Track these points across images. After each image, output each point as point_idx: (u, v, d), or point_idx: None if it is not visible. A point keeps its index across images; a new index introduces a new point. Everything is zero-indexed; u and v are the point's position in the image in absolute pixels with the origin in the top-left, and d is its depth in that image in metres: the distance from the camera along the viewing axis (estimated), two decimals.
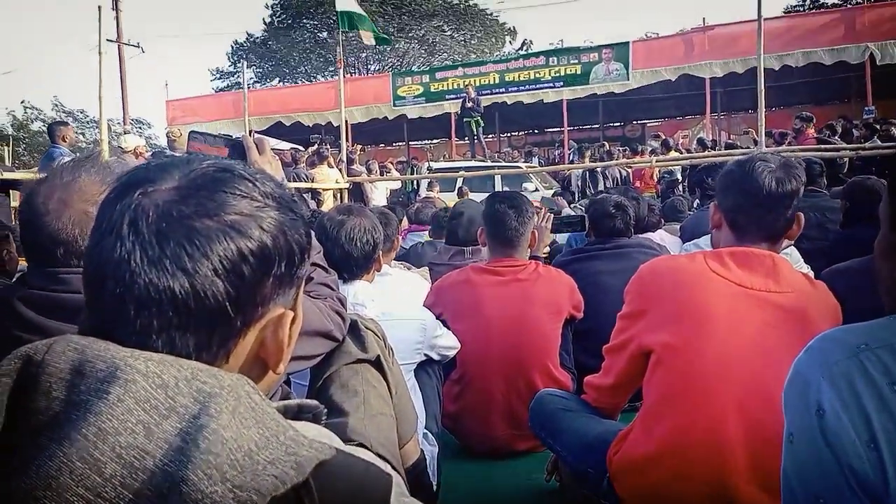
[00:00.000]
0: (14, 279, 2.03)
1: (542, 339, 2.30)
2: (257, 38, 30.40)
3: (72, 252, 1.08)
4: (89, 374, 0.49)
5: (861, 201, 2.91)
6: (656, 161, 9.26)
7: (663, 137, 12.13)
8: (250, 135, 1.25)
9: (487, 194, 2.70)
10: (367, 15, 8.78)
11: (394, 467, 1.33)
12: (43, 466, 0.45)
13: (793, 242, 1.65)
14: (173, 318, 0.54)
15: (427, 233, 4.73)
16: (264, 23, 30.26)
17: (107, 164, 1.18)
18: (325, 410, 0.69)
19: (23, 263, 2.37)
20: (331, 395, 1.38)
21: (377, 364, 1.47)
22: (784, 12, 21.23)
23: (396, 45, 28.25)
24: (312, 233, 1.42)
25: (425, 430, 1.86)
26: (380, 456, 1.27)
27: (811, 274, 2.44)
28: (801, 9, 22.70)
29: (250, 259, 0.56)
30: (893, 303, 0.82)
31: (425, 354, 1.99)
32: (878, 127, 9.35)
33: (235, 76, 29.92)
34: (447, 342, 2.09)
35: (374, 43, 9.30)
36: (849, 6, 17.99)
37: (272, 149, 1.25)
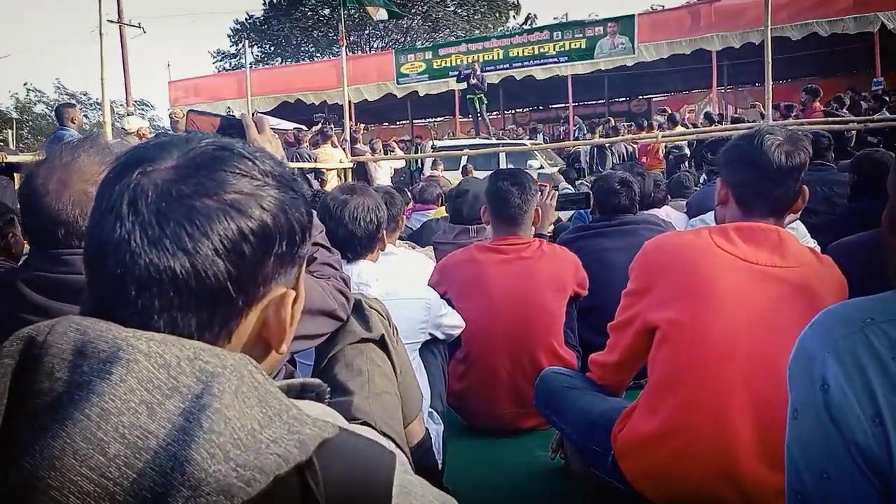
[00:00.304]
0: (20, 262, 2.03)
1: (546, 316, 2.30)
2: (258, 17, 30.13)
3: (72, 233, 1.08)
4: (91, 355, 0.50)
5: (868, 174, 2.88)
6: (662, 136, 9.19)
7: (669, 112, 12.03)
8: (252, 115, 1.24)
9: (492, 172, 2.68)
10: None
11: (398, 446, 1.34)
12: (46, 447, 0.46)
13: (798, 216, 1.64)
14: (174, 299, 0.54)
15: (432, 211, 4.74)
16: (264, 3, 29.97)
17: (106, 144, 1.18)
18: (329, 389, 0.69)
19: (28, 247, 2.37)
20: (335, 375, 1.39)
21: (381, 343, 1.47)
22: None
23: (399, 22, 27.94)
24: (314, 212, 1.42)
25: (430, 409, 1.87)
26: (384, 435, 1.28)
27: (818, 248, 2.42)
28: None
29: (251, 238, 0.56)
30: None
31: (430, 333, 1.99)
32: (886, 98, 9.25)
33: (237, 57, 29.71)
34: (452, 321, 2.09)
35: (385, 18, 9.05)
36: None
37: (274, 128, 1.24)
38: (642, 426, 1.47)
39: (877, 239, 0.88)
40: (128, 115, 11.82)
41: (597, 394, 1.73)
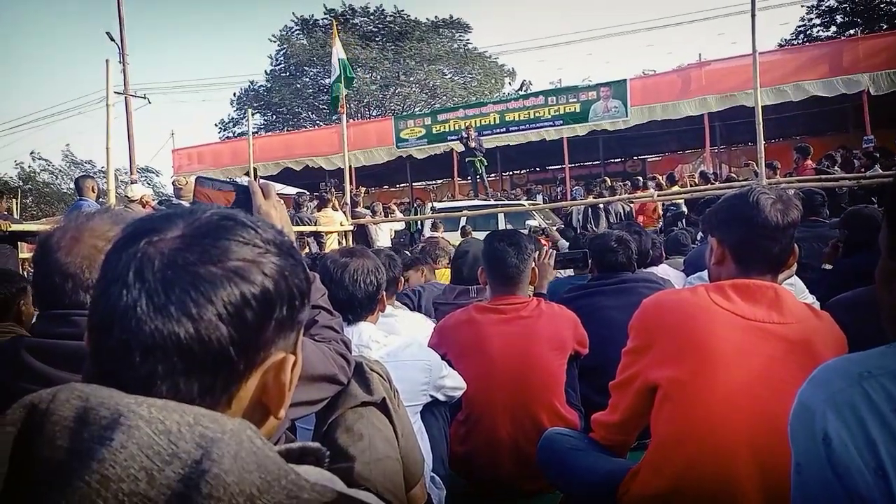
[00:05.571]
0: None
1: (547, 376, 2.28)
2: (260, 87, 30.95)
3: (79, 285, 1.10)
4: (93, 422, 0.50)
5: (859, 228, 2.91)
6: (658, 195, 9.31)
7: (657, 179, 12.18)
8: (255, 179, 1.28)
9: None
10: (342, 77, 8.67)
11: None
12: None
13: (794, 272, 1.65)
14: (178, 364, 0.55)
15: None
16: (266, 73, 30.89)
17: (120, 212, 1.24)
18: (328, 453, 0.69)
19: None
20: (336, 440, 1.38)
21: (383, 407, 1.46)
22: (778, 46, 21.60)
23: (398, 90, 28.73)
24: (317, 276, 1.44)
25: (432, 473, 1.84)
26: (386, 501, 1.26)
27: (816, 304, 2.43)
28: (795, 42, 23.07)
29: (253, 303, 0.58)
30: (894, 328, 0.82)
31: (431, 396, 1.97)
32: (877, 156, 9.39)
33: (240, 124, 30.36)
34: (453, 383, 2.07)
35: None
36: (842, 38, 18.30)
37: (278, 194, 1.27)
38: (648, 487, 1.44)
39: (874, 294, 0.90)
40: (131, 182, 12.01)
41: (601, 454, 1.70)
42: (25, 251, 4.75)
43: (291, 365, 0.64)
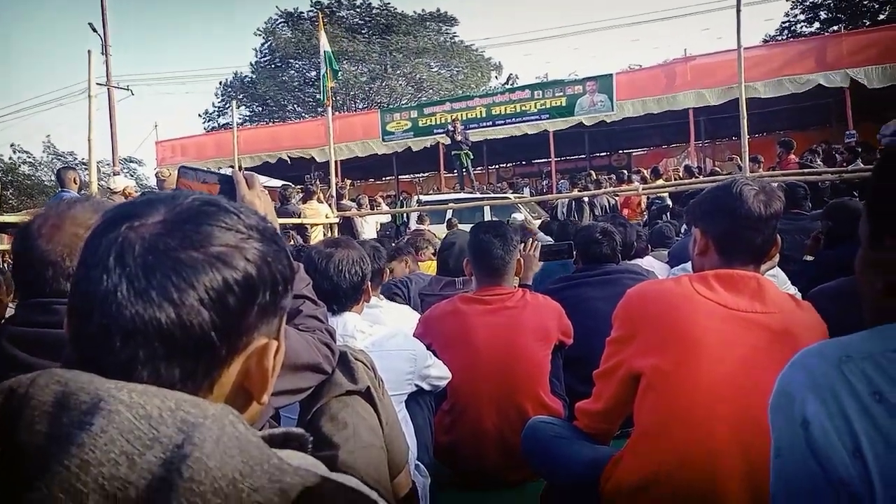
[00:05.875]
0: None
1: (531, 366, 2.29)
2: (246, 77, 30.68)
3: (59, 273, 1.10)
4: (73, 407, 0.50)
5: (843, 220, 2.94)
6: (643, 189, 9.37)
7: (642, 172, 12.25)
8: (240, 170, 1.27)
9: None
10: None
11: (385, 500, 1.31)
12: (24, 501, 0.45)
13: (776, 264, 1.66)
14: (159, 349, 0.55)
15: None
16: (252, 65, 30.63)
17: (102, 200, 1.23)
18: (311, 438, 0.69)
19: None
20: (320, 428, 1.38)
21: (367, 395, 1.47)
22: (763, 41, 21.74)
23: (385, 83, 28.61)
24: (301, 265, 1.43)
25: (417, 462, 1.85)
26: (370, 489, 1.26)
27: (798, 295, 2.45)
28: (780, 38, 23.24)
29: (235, 289, 0.58)
30: (873, 316, 0.83)
31: (416, 385, 1.98)
32: (859, 150, 9.50)
33: (225, 115, 30.08)
34: (438, 372, 2.08)
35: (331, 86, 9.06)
36: (825, 34, 18.47)
37: (263, 185, 1.27)
38: (630, 475, 1.45)
39: (854, 284, 0.91)
40: (114, 174, 11.89)
41: (584, 442, 1.71)
42: (5, 243, 4.70)
43: (274, 351, 0.63)
